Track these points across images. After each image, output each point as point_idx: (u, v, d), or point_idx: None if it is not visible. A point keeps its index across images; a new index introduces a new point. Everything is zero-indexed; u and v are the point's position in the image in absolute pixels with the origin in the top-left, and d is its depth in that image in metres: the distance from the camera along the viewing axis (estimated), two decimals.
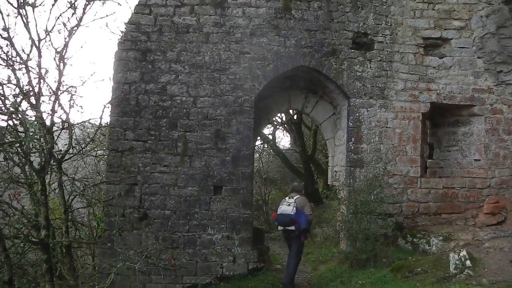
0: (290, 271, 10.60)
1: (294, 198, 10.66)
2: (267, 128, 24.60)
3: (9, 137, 9.56)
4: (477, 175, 12.06)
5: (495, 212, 11.69)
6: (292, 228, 10.37)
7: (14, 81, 9.57)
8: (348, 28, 11.90)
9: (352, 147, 11.82)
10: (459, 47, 12.13)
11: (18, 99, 9.47)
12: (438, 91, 11.99)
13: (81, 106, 16.41)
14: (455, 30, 12.12)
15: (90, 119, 12.05)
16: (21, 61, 9.71)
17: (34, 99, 9.59)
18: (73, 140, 10.60)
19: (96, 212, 14.51)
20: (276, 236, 11.72)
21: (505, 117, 12.08)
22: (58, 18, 10.22)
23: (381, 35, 11.97)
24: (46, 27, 10.05)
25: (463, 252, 8.82)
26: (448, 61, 12.10)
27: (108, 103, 11.47)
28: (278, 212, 10.63)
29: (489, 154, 12.03)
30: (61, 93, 10.13)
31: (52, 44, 13.42)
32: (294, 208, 10.38)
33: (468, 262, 8.59)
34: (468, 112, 12.23)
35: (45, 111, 9.89)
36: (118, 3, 12.02)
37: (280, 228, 10.79)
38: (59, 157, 10.50)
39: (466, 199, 11.99)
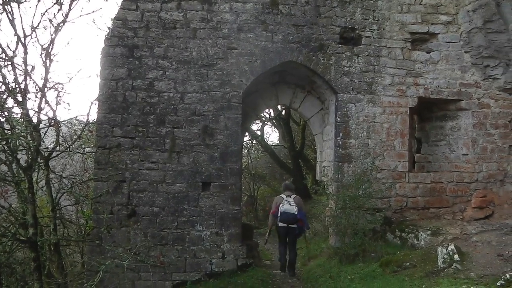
0: (292, 263, 11.98)
1: (292, 197, 11.73)
2: (256, 123, 24.64)
3: None
4: (465, 169, 12.10)
5: (482, 206, 11.77)
6: (295, 226, 11.58)
7: (0, 78, 9.50)
8: (335, 23, 11.89)
9: (340, 142, 11.83)
10: (446, 42, 12.16)
11: (4, 96, 9.40)
12: (426, 86, 12.02)
13: (68, 103, 16.33)
14: (442, 25, 12.14)
15: (77, 116, 11.98)
16: (7, 58, 9.63)
17: (20, 96, 9.53)
18: (60, 137, 10.53)
19: (84, 209, 14.45)
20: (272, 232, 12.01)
21: (492, 111, 12.13)
22: (44, 14, 10.16)
23: (368, 30, 11.97)
24: (32, 24, 9.98)
25: (451, 246, 8.86)
26: (436, 56, 12.13)
27: (95, 99, 11.40)
28: (281, 211, 11.55)
29: (477, 148, 12.08)
30: (47, 90, 10.06)
31: (38, 41, 13.29)
32: (296, 207, 11.50)
33: (456, 256, 8.63)
34: (456, 107, 12.27)
35: (31, 108, 9.83)
36: None
37: (280, 224, 11.63)
38: (46, 155, 10.43)
39: (454, 193, 12.03)
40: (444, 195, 12.04)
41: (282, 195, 11.95)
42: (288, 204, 11.53)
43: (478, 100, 12.12)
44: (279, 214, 11.59)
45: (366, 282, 9.19)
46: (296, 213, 11.44)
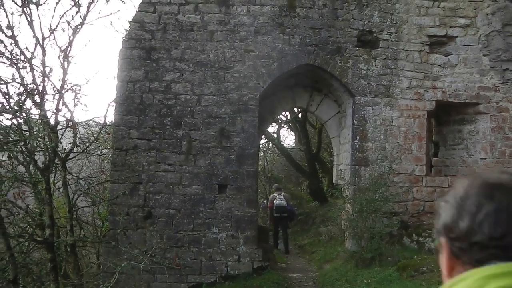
0: (286, 243, 15.47)
1: (282, 195, 15.57)
2: (272, 126, 24.55)
3: (13, 136, 9.53)
4: None
5: None
6: (285, 215, 15.32)
7: (18, 80, 9.54)
8: (353, 26, 11.85)
9: (357, 146, 11.78)
10: (464, 45, 12.06)
11: (22, 98, 9.46)
12: (444, 89, 11.93)
13: (85, 105, 16.37)
14: (461, 28, 12.05)
15: (94, 118, 12.00)
16: (25, 60, 9.68)
17: (39, 97, 9.57)
18: (77, 138, 10.57)
19: (100, 211, 14.49)
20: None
21: (511, 115, 12.00)
22: (62, 16, 10.19)
23: (386, 33, 11.92)
24: (50, 26, 10.02)
25: None
26: (454, 59, 12.04)
27: (112, 101, 11.44)
28: (275, 205, 15.18)
29: (495, 152, 11.96)
30: (65, 92, 10.09)
31: (56, 43, 13.35)
32: (285, 202, 15.24)
33: None
34: (474, 110, 12.16)
35: (49, 110, 9.87)
36: (122, 1, 12.03)
37: (275, 214, 15.27)
38: (64, 156, 10.46)
39: None
40: None
41: (274, 194, 15.72)
42: (279, 200, 15.19)
43: (497, 104, 12.01)
44: (274, 208, 15.18)
45: (383, 286, 9.14)
46: (286, 205, 15.26)
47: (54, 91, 9.96)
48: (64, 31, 10.47)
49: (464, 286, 1.15)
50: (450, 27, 12.04)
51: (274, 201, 15.38)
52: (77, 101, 10.27)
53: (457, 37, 12.06)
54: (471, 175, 1.30)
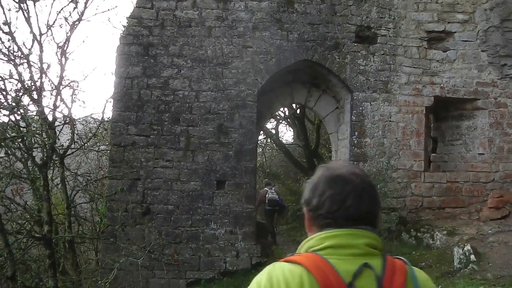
0: (273, 233, 16.03)
1: (273, 189, 16.33)
2: (270, 122, 24.54)
3: (11, 132, 9.53)
4: (481, 169, 11.99)
5: (499, 206, 11.65)
6: (277, 208, 15.94)
7: (16, 76, 9.54)
8: (351, 21, 11.83)
9: (356, 141, 11.77)
10: (462, 41, 12.05)
11: (20, 94, 9.44)
12: (442, 85, 11.92)
13: (83, 101, 16.39)
14: (459, 24, 12.03)
15: (92, 114, 12.04)
16: (23, 56, 9.67)
17: (36, 94, 9.56)
18: (75, 135, 10.57)
19: (99, 207, 14.49)
20: None
21: (509, 111, 12.00)
22: (60, 12, 10.18)
23: (384, 28, 11.90)
24: (48, 22, 10.01)
25: (468, 247, 8.79)
26: (452, 55, 12.02)
27: (110, 98, 11.44)
28: (268, 199, 15.52)
29: (493, 148, 11.96)
30: (63, 88, 10.10)
31: (53, 39, 13.38)
32: (277, 195, 15.96)
33: (472, 257, 8.57)
34: (472, 106, 12.15)
35: (47, 106, 9.86)
36: None
37: (268, 207, 15.69)
38: (61, 152, 10.46)
39: (470, 193, 11.92)
40: (460, 195, 11.93)
41: (265, 188, 16.12)
42: (271, 194, 15.68)
43: (495, 100, 12.00)
44: (267, 201, 15.48)
45: None
46: (278, 199, 15.84)
47: (52, 88, 9.96)
48: (61, 27, 10.46)
49: (310, 243, 1.84)
50: (449, 22, 12.02)
51: (267, 195, 15.65)
52: (75, 98, 10.30)
53: (455, 32, 12.05)
54: (324, 167, 1.98)
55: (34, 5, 9.82)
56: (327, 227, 1.82)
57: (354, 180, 1.85)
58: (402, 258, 1.95)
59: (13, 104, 9.23)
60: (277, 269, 1.77)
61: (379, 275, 1.76)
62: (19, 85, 9.52)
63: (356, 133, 11.78)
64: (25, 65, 9.71)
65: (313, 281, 1.66)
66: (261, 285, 1.76)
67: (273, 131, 25.17)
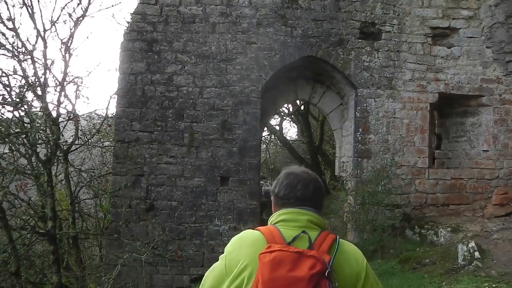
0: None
1: (268, 182, 16.68)
2: (274, 119, 24.55)
3: (15, 128, 9.53)
4: (485, 166, 11.96)
5: (503, 203, 11.63)
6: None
7: (20, 72, 9.55)
8: (355, 17, 11.80)
9: (360, 138, 11.75)
10: (467, 37, 12.01)
11: (24, 90, 9.45)
12: (446, 81, 11.89)
13: (87, 97, 16.41)
14: (464, 20, 11.99)
15: (96, 110, 12.04)
16: (27, 52, 9.68)
17: (40, 90, 9.57)
18: (79, 131, 10.57)
19: (102, 203, 14.50)
20: None
21: None
22: (64, 8, 10.20)
23: (388, 24, 11.86)
24: (52, 18, 10.03)
25: (472, 244, 8.76)
26: (457, 51, 11.99)
27: (114, 94, 11.44)
28: (264, 191, 14.89)
29: (498, 145, 11.93)
30: (67, 84, 10.11)
31: (57, 35, 13.42)
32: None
33: (476, 254, 8.54)
34: (477, 103, 12.12)
35: (51, 102, 9.87)
36: None
37: (264, 199, 14.27)
38: (65, 148, 10.47)
39: (474, 190, 11.90)
40: (464, 192, 11.91)
41: (261, 182, 15.64)
42: (267, 186, 15.67)
43: (500, 96, 11.97)
44: (263, 193, 14.45)
45: (385, 278, 9.11)
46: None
47: (56, 84, 9.97)
48: (65, 23, 10.46)
49: (272, 219, 2.60)
50: (453, 19, 11.98)
51: (263, 188, 15.51)
52: (79, 94, 10.30)
53: (460, 29, 12.01)
54: (285, 169, 2.76)
55: (38, 1, 9.91)
56: (283, 206, 2.61)
57: (304, 175, 2.67)
58: (337, 234, 2.54)
59: (17, 100, 9.24)
60: (245, 232, 2.62)
61: (312, 240, 2.42)
62: (23, 81, 9.54)
63: (360, 129, 11.76)
64: (29, 61, 9.73)
65: (263, 238, 2.44)
66: (232, 240, 2.59)
67: (277, 128, 25.18)
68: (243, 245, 2.50)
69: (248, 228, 2.78)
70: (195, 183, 11.22)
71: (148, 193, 11.14)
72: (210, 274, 2.60)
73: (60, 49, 10.21)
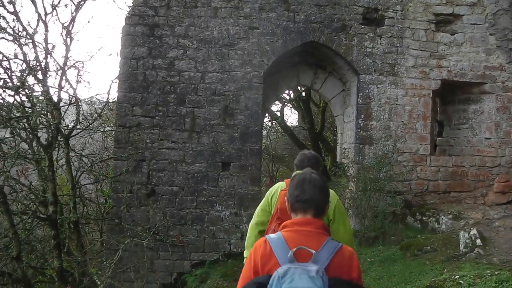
0: None
1: None
2: (275, 105, 24.49)
3: (16, 112, 9.52)
4: (487, 153, 11.93)
5: (505, 191, 11.61)
6: None
7: (21, 56, 9.51)
8: (358, 3, 11.71)
9: (362, 124, 11.72)
10: (471, 24, 11.92)
11: (25, 74, 9.42)
12: (449, 68, 11.83)
13: (88, 82, 16.39)
14: (467, 6, 11.91)
15: (97, 95, 12.01)
16: (28, 36, 9.64)
17: (41, 74, 9.54)
18: (80, 115, 10.55)
19: (103, 188, 14.51)
20: None
21: None
22: None
23: (392, 10, 11.78)
24: (53, 1, 9.96)
25: (473, 231, 8.75)
26: (460, 38, 11.92)
27: (115, 78, 11.41)
28: None
29: (500, 132, 11.89)
30: (68, 68, 10.10)
31: (59, 19, 13.34)
32: None
33: (478, 241, 8.53)
34: (479, 90, 12.07)
35: (52, 86, 9.84)
36: None
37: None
38: (67, 133, 10.46)
39: (476, 178, 11.88)
40: (465, 179, 11.89)
41: None
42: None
43: (503, 84, 11.91)
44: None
45: (387, 265, 9.13)
46: None
47: (57, 68, 9.95)
48: (66, 7, 10.40)
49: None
50: (457, 5, 11.89)
51: None
52: (80, 78, 10.32)
53: (463, 15, 11.92)
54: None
55: None
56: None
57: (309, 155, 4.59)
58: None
59: (18, 84, 9.21)
60: (278, 183, 4.67)
61: None
62: (24, 65, 9.51)
63: (362, 115, 11.72)
64: (30, 45, 9.70)
65: (285, 184, 4.44)
66: (270, 189, 4.77)
67: (279, 114, 25.14)
68: (274, 187, 4.86)
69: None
70: (196, 168, 11.21)
71: (149, 178, 11.13)
72: (259, 205, 4.97)
73: (61, 33, 10.19)
